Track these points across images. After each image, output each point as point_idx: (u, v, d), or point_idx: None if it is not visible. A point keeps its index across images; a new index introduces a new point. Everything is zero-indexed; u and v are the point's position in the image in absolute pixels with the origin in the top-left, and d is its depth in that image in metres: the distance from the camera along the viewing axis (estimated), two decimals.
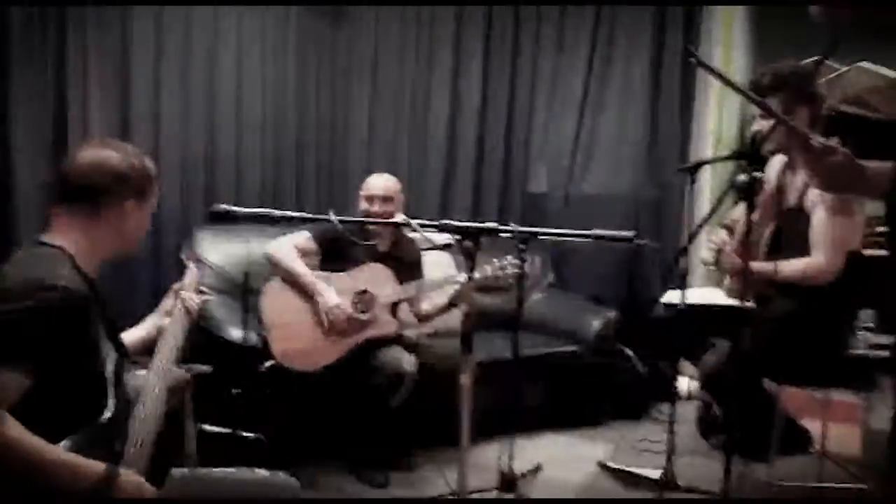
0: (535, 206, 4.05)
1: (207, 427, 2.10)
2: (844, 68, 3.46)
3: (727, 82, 1.92)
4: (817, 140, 1.36)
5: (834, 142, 1.45)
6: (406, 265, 2.88)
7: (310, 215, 1.84)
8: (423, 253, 2.98)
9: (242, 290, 2.61)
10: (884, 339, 2.43)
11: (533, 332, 3.34)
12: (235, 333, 2.70)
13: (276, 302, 2.72)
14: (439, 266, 3.16)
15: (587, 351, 3.33)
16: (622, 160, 3.81)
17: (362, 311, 2.71)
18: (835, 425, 2.70)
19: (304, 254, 2.81)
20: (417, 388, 2.66)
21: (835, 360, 2.41)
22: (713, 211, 1.71)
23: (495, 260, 2.58)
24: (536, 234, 1.59)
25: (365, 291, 2.73)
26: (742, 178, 1.70)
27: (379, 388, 2.64)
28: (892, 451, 1.15)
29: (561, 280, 3.85)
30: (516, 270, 2.55)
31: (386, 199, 2.84)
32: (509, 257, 2.58)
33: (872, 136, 1.18)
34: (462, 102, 4.17)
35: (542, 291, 3.73)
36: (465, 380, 1.51)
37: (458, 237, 1.48)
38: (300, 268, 2.75)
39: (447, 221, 1.51)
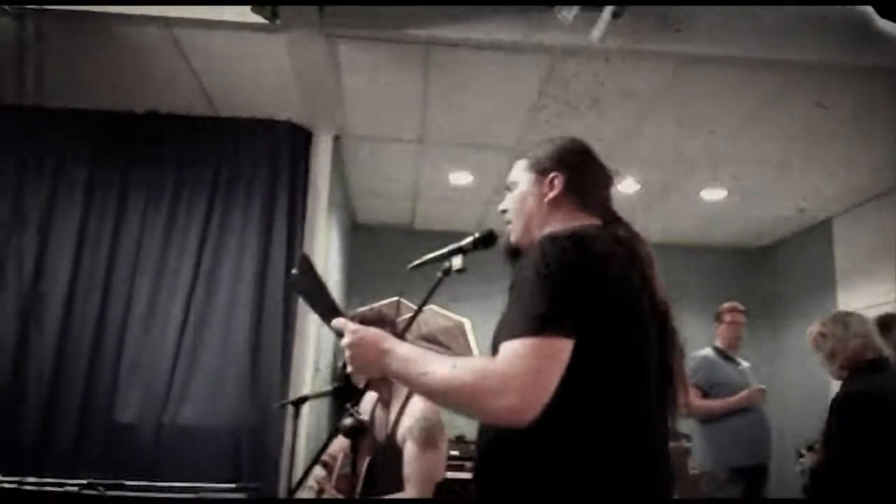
0: (122, 438, 3.56)
1: None
2: (415, 308, 4.03)
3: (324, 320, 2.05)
4: None
5: None
6: None
7: None
8: None
9: None
10: None
11: None
12: None
13: None
14: None
15: None
16: (223, 388, 3.61)
17: None
18: None
19: None
20: None
21: None
22: (321, 452, 1.71)
23: None
24: (126, 498, 1.37)
25: None
26: (348, 421, 1.76)
27: None
28: None
29: None
30: None
31: None
32: None
33: None
34: (38, 314, 3.61)
35: None
36: None
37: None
38: None
39: None
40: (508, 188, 1.59)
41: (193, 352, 3.65)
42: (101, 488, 1.27)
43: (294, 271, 1.64)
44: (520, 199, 1.54)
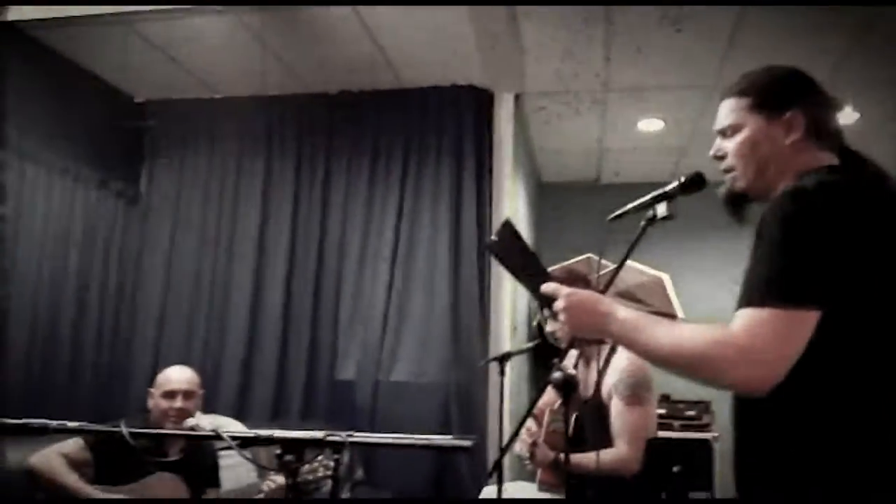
0: (343, 394, 3.89)
1: None
2: (613, 266, 3.93)
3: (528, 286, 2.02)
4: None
5: None
6: (200, 472, 2.56)
7: (93, 426, 1.57)
8: (220, 456, 2.69)
9: None
10: None
11: None
12: None
13: None
14: (237, 471, 2.85)
15: None
16: (429, 346, 3.80)
17: None
18: None
19: (75, 464, 2.39)
20: None
21: None
22: (532, 407, 1.72)
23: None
24: (367, 444, 1.47)
25: None
26: (558, 375, 1.75)
27: None
28: None
29: (370, 475, 3.65)
30: (328, 472, 2.37)
31: (188, 395, 2.58)
32: (321, 457, 2.40)
33: None
34: (265, 285, 4.05)
35: (351, 490, 3.50)
36: None
37: (278, 452, 1.34)
38: (72, 480, 2.33)
39: (260, 433, 1.38)
40: (724, 133, 1.41)
41: (400, 313, 3.87)
42: (342, 434, 1.39)
43: (493, 237, 1.62)
44: (749, 145, 1.36)
